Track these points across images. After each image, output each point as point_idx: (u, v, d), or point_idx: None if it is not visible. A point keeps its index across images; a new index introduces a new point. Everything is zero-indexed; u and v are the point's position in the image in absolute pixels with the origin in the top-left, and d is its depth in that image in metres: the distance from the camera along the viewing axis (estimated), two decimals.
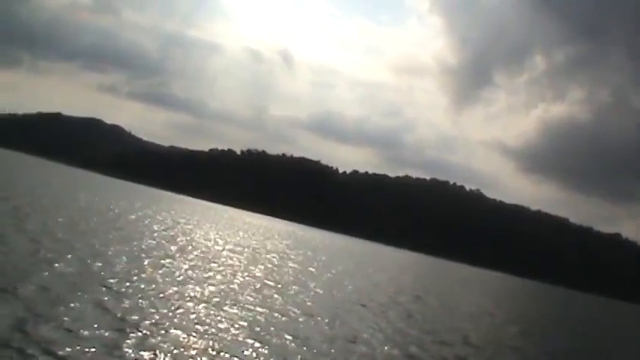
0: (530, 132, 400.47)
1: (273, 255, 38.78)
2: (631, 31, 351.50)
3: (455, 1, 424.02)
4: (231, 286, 20.02)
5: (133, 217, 42.57)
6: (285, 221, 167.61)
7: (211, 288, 18.40)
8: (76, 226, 26.66)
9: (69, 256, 17.84)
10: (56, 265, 16.04)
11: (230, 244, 39.77)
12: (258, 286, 21.51)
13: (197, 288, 17.70)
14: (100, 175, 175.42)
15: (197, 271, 21.37)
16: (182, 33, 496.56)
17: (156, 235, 32.32)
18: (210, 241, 38.32)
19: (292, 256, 41.85)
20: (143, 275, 17.65)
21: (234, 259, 29.80)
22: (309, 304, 20.08)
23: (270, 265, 30.96)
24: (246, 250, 37.66)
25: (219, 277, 21.38)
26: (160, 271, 19.27)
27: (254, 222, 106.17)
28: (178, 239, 33.15)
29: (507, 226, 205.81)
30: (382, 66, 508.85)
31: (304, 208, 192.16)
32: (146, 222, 40.53)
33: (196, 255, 26.84)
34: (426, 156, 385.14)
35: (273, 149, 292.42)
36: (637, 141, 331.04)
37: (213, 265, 24.58)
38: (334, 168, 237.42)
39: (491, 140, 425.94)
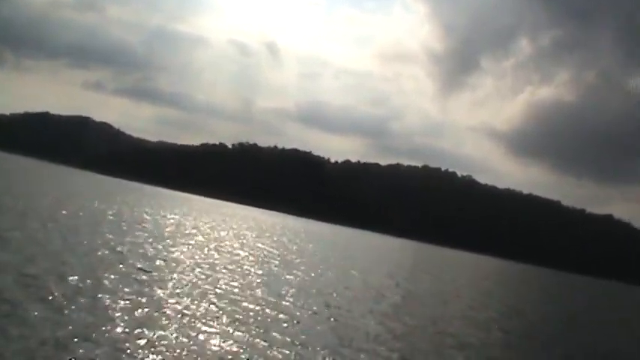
0: (519, 115, 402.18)
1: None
2: (617, 11, 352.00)
3: None
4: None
5: (202, 237, 42.30)
6: (281, 213, 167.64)
7: None
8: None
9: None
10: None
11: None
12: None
13: None
14: (93, 174, 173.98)
15: None
16: (167, 27, 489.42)
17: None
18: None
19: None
20: None
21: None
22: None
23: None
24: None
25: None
26: None
27: (263, 218, 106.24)
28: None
29: (501, 210, 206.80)
30: (368, 54, 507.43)
31: (298, 199, 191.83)
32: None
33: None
34: (414, 143, 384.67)
35: (262, 141, 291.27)
36: (625, 122, 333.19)
37: None
38: (326, 158, 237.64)
39: (479, 125, 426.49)
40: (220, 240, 38.52)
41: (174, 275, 19.46)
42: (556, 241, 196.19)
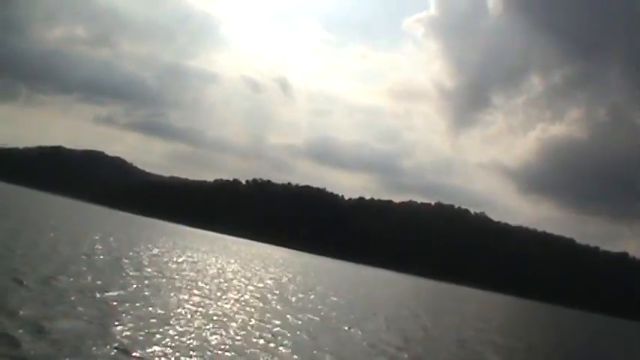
0: (530, 153, 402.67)
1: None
2: (627, 48, 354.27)
3: (450, 24, 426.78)
4: None
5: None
6: (297, 251, 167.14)
7: None
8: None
9: None
10: None
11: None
12: None
13: None
14: (109, 209, 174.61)
15: None
16: (179, 63, 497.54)
17: None
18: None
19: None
20: None
21: None
22: None
23: None
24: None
25: None
26: None
27: (291, 259, 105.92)
28: None
29: (515, 248, 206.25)
30: (379, 91, 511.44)
31: (313, 237, 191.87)
32: None
33: None
34: (425, 180, 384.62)
35: (273, 177, 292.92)
36: (637, 158, 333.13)
37: None
38: (340, 195, 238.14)
39: (490, 162, 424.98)
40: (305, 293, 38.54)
41: None
42: (570, 279, 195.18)
